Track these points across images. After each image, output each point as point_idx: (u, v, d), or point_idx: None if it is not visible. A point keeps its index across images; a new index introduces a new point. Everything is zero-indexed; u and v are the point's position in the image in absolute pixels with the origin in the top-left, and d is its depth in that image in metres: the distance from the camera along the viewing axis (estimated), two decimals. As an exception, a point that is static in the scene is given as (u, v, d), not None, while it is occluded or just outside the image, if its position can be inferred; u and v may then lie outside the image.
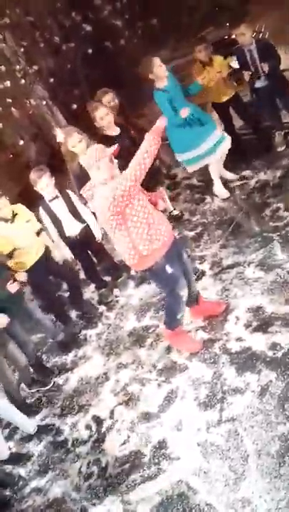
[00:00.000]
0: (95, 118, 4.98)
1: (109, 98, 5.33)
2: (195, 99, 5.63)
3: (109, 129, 5.01)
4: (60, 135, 4.98)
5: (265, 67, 5.35)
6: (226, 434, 3.43)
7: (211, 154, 5.50)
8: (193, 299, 4.25)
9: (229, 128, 6.12)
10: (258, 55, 5.40)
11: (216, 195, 5.78)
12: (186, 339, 4.18)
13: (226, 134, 5.55)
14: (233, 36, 5.85)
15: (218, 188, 5.75)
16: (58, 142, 5.12)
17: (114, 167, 3.59)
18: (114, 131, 5.05)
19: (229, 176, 5.87)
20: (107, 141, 5.03)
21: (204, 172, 5.84)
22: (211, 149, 5.46)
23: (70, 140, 4.76)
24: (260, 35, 6.89)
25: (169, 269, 3.77)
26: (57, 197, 4.80)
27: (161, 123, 3.60)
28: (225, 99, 5.93)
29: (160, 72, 5.11)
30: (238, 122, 6.32)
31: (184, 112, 5.12)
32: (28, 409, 4.44)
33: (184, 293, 3.92)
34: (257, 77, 5.49)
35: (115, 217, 3.51)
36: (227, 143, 5.52)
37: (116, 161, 3.63)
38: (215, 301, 4.37)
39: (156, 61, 5.10)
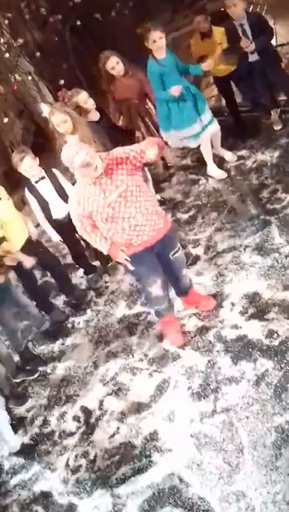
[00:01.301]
0: (77, 103, 4.97)
1: (114, 63, 5.22)
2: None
3: (90, 114, 5.06)
4: (46, 110, 4.91)
5: (252, 47, 5.23)
6: (220, 425, 3.42)
7: (193, 140, 5.43)
8: (183, 291, 4.24)
9: (230, 104, 6.02)
10: (250, 30, 5.27)
11: (211, 177, 5.72)
12: (171, 330, 4.19)
13: (213, 119, 5.45)
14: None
15: (212, 169, 5.69)
16: (44, 118, 5.05)
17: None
18: (95, 116, 5.10)
19: (228, 156, 5.80)
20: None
21: (199, 151, 5.78)
22: (195, 135, 5.39)
23: (53, 119, 4.70)
24: (258, 7, 6.75)
25: (130, 267, 3.86)
26: (43, 178, 4.75)
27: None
28: (226, 72, 5.81)
29: (159, 45, 5.00)
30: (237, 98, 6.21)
31: (175, 90, 5.03)
32: (14, 400, 4.40)
33: (154, 291, 3.93)
34: (250, 52, 5.39)
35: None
36: (213, 127, 5.46)
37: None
38: (206, 296, 4.35)
39: (156, 33, 4.99)
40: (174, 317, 4.23)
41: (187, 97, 5.21)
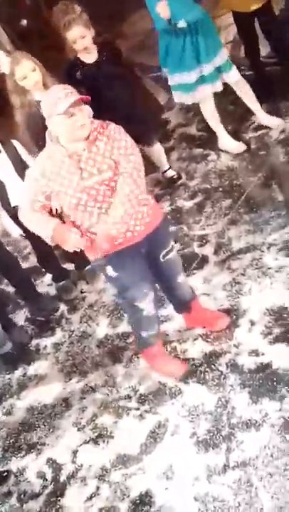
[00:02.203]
0: (68, 39, 5.05)
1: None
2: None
3: (85, 53, 5.14)
4: (3, 63, 4.90)
5: None
6: (234, 485, 3.41)
7: (209, 83, 5.43)
8: (183, 305, 4.26)
9: (251, 53, 6.04)
10: None
11: (224, 151, 5.73)
12: (164, 361, 4.21)
13: (232, 65, 5.47)
14: None
15: (225, 139, 5.68)
16: None
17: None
18: (91, 56, 5.18)
19: (269, 120, 5.78)
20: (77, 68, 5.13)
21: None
22: (212, 76, 5.39)
23: (19, 69, 4.71)
24: None
25: (110, 272, 3.79)
26: (-2, 152, 4.78)
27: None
28: (253, 7, 5.77)
29: None
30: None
31: (161, 7, 5.03)
32: None
33: (144, 306, 3.92)
34: None
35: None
36: (233, 74, 5.46)
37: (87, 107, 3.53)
38: (216, 312, 4.36)
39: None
40: (162, 344, 4.25)
41: (195, 30, 5.20)
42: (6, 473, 4.19)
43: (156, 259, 3.92)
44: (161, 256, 3.92)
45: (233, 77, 5.51)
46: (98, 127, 3.54)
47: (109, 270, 3.79)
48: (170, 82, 5.61)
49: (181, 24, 5.12)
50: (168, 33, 5.26)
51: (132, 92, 5.45)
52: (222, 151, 5.78)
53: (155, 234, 3.81)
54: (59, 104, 3.38)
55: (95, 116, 3.57)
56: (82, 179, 3.51)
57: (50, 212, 3.76)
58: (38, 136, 4.51)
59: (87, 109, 3.51)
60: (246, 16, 5.86)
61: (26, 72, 4.70)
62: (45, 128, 3.60)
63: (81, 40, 5.04)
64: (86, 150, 3.49)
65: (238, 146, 5.68)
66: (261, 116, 5.78)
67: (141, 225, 3.72)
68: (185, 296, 4.21)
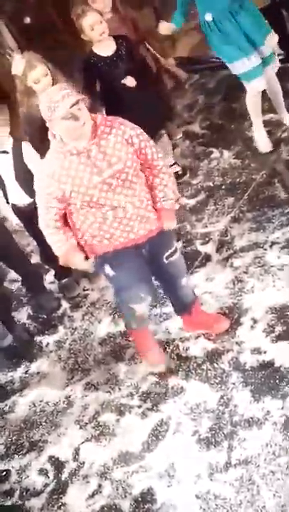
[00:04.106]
0: (82, 27, 5.02)
1: None
2: None
3: (100, 44, 5.10)
4: (19, 64, 4.89)
5: None
6: (236, 483, 3.41)
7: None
8: (184, 307, 4.25)
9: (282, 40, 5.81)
10: None
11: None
12: (148, 344, 4.24)
13: (274, 56, 5.33)
14: None
15: (260, 135, 5.59)
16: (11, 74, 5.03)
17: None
18: (108, 49, 5.12)
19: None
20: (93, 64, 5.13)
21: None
22: (249, 74, 5.22)
23: (33, 73, 4.71)
24: None
25: (108, 271, 3.83)
26: (5, 152, 4.78)
27: None
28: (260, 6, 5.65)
29: None
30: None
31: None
32: None
33: (137, 308, 3.93)
34: None
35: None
36: (273, 67, 5.34)
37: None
38: (216, 315, 4.36)
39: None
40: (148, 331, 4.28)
41: (237, 18, 5.07)
42: (5, 473, 4.20)
43: (159, 261, 3.91)
44: (164, 257, 3.91)
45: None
46: (103, 121, 3.53)
47: (107, 269, 3.81)
48: (234, 72, 5.38)
49: (208, 17, 5.06)
50: (208, 26, 5.15)
51: (148, 86, 5.44)
52: (225, 149, 5.77)
53: (158, 236, 3.81)
54: (58, 107, 3.36)
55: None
56: (94, 174, 3.49)
57: (65, 216, 3.75)
58: (35, 137, 4.53)
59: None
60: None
61: (39, 77, 4.70)
62: (45, 130, 3.61)
63: (99, 25, 4.99)
64: (95, 145, 3.47)
65: (265, 146, 5.59)
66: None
67: (145, 229, 3.72)
68: (187, 298, 4.20)
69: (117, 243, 3.68)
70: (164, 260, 3.91)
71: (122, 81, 5.08)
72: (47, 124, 3.51)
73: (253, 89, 5.32)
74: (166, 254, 3.90)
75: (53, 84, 4.67)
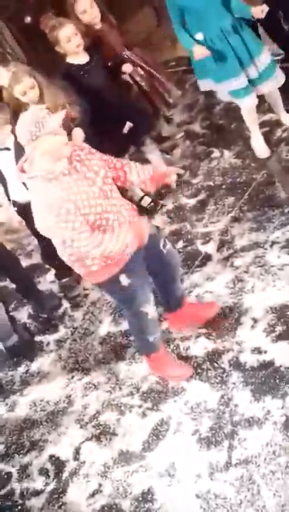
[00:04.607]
0: (57, 39, 5.10)
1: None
2: None
3: (74, 54, 5.19)
4: (4, 76, 4.91)
5: None
6: (236, 483, 3.42)
7: (245, 95, 5.19)
8: (178, 303, 4.26)
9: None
10: None
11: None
12: (170, 364, 4.19)
13: (275, 65, 5.28)
14: None
15: (257, 140, 5.58)
16: None
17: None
18: (82, 58, 5.22)
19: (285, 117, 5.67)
20: (70, 73, 5.18)
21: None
22: (246, 89, 5.14)
23: (18, 87, 4.71)
24: None
25: (124, 281, 3.72)
26: (7, 149, 4.79)
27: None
28: None
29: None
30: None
31: (199, 52, 4.94)
32: None
33: (148, 309, 3.89)
34: None
35: None
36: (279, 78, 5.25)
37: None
38: (202, 303, 4.39)
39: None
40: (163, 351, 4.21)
41: (229, 38, 4.97)
42: (5, 476, 4.20)
43: (160, 252, 3.91)
44: (161, 246, 3.92)
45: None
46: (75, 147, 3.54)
47: (123, 279, 3.70)
48: (220, 94, 5.43)
49: (199, 37, 4.98)
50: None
51: (124, 91, 5.51)
52: (225, 148, 5.77)
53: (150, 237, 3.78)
54: (46, 122, 3.26)
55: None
56: (91, 186, 3.43)
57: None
58: None
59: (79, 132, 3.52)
60: None
61: (26, 89, 4.72)
62: None
63: (75, 37, 5.08)
64: (75, 161, 3.42)
65: (265, 151, 5.57)
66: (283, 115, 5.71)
67: (134, 238, 3.63)
68: (182, 292, 4.25)
69: (130, 250, 3.61)
70: (163, 249, 3.92)
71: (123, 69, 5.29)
72: (25, 149, 3.38)
73: (245, 107, 5.32)
74: (162, 243, 3.92)
75: (40, 96, 4.70)
